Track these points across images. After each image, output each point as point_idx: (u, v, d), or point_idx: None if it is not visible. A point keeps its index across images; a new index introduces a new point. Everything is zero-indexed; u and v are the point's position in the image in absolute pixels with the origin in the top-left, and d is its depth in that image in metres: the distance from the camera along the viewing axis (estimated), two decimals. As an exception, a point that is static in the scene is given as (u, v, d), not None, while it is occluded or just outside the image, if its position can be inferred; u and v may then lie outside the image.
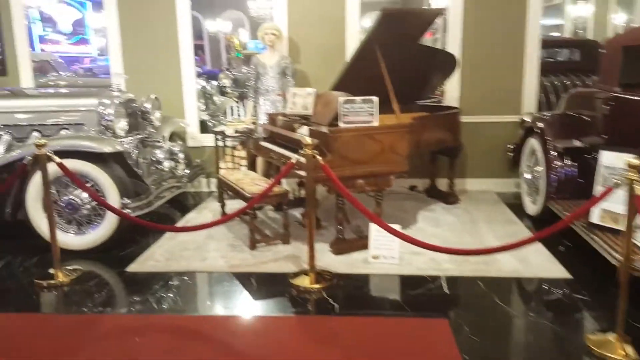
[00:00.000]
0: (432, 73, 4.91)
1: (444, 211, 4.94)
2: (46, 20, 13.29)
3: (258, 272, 3.66)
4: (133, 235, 4.28)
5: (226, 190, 4.62)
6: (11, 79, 5.72)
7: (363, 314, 3.05)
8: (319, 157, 3.32)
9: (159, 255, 3.97)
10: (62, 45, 13.79)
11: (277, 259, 3.88)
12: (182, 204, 5.39)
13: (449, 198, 5.18)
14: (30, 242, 4.01)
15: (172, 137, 5.40)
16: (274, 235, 4.27)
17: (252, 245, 4.07)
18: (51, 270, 3.57)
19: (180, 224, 4.78)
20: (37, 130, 4.37)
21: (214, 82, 7.43)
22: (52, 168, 3.56)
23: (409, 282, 3.48)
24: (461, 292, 3.37)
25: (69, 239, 4.01)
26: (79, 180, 3.63)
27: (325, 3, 5.47)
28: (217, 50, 15.88)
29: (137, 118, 4.82)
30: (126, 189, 4.05)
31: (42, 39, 13.28)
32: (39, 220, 3.97)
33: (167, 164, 4.73)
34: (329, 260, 3.78)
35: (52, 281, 3.51)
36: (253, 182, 4.28)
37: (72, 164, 3.86)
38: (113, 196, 3.97)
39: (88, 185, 3.98)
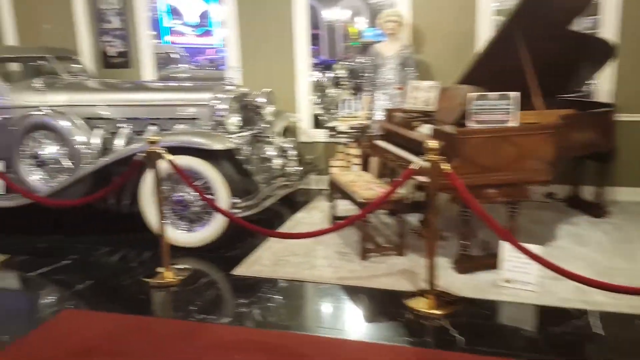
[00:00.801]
0: (580, 63, 4.17)
1: (589, 226, 4.21)
2: (174, 12, 13.95)
3: (368, 287, 3.30)
4: (241, 234, 4.14)
5: (337, 192, 4.31)
6: (134, 71, 5.88)
7: (493, 353, 2.57)
8: (444, 165, 2.87)
9: (266, 259, 3.77)
10: (188, 37, 14.41)
11: (390, 273, 3.50)
12: (292, 201, 5.18)
13: (596, 210, 4.42)
14: (147, 235, 4.00)
15: (285, 132, 5.21)
16: (387, 245, 3.89)
17: (363, 255, 3.73)
18: (159, 269, 3.51)
19: (288, 223, 4.56)
20: (153, 124, 4.38)
21: (329, 74, 7.16)
22: (164, 164, 3.48)
23: (549, 316, 2.91)
24: (617, 333, 2.75)
25: (178, 235, 3.95)
26: (188, 179, 3.52)
27: (454, -15, 4.93)
28: (334, 39, 15.73)
29: (250, 113, 4.67)
30: (236, 187, 3.90)
31: (170, 31, 13.96)
32: (151, 215, 3.96)
33: (277, 162, 4.53)
34: (450, 279, 3.32)
35: (160, 280, 3.44)
36: (367, 186, 3.92)
37: (183, 160, 3.78)
38: (223, 195, 3.84)
39: (199, 182, 3.89)
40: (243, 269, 3.63)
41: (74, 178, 4.06)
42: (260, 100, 4.72)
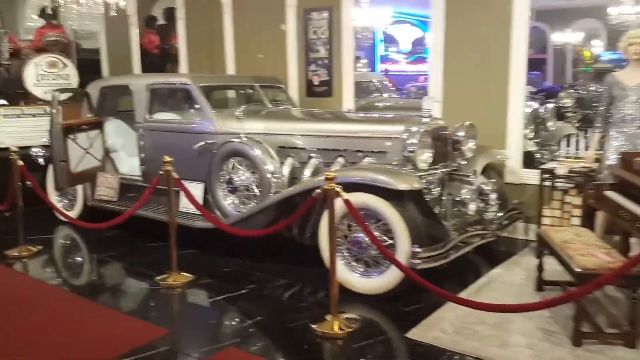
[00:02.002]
0: None
1: None
2: (389, 40, 14.06)
3: (580, 390, 2.49)
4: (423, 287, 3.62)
5: (547, 249, 3.49)
6: (335, 99, 5.82)
7: None
8: None
9: (448, 324, 3.18)
10: (400, 65, 14.38)
11: (613, 373, 2.61)
12: (491, 251, 4.45)
13: None
14: (325, 271, 3.73)
15: (486, 170, 4.53)
16: (612, 330, 2.96)
17: (576, 340, 2.88)
18: (327, 317, 3.20)
19: (481, 281, 3.87)
20: (341, 156, 4.16)
21: (549, 105, 6.18)
22: (341, 202, 3.19)
23: None
24: None
25: (353, 278, 3.61)
26: (363, 222, 3.16)
27: None
28: (562, 64, 14.10)
29: (446, 147, 4.15)
30: (419, 234, 3.41)
31: (383, 59, 14.12)
32: (327, 252, 3.69)
33: (473, 207, 3.91)
34: None
35: (326, 330, 3.12)
36: (587, 250, 3.05)
37: (361, 198, 3.46)
38: (403, 241, 3.38)
39: (378, 223, 3.51)
40: (419, 333, 3.10)
41: (260, 207, 4.05)
42: (460, 134, 4.16)
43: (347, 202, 3.09)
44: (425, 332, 3.11)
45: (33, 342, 3.11)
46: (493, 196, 4.15)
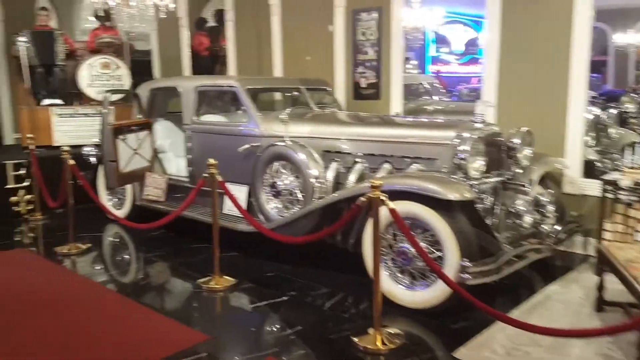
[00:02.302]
0: None
1: None
2: (441, 41, 13.72)
3: None
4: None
5: (608, 269, 3.24)
6: (383, 102, 5.68)
7: None
8: None
9: (498, 344, 2.99)
10: (452, 66, 14.01)
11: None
12: (546, 265, 4.19)
13: None
14: (368, 280, 3.61)
15: (544, 180, 4.29)
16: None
17: (642, 369, 2.65)
18: (370, 331, 3.08)
19: (536, 298, 3.65)
20: (388, 162, 4.02)
21: (612, 110, 5.80)
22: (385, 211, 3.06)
23: None
24: None
25: (398, 291, 3.47)
26: (409, 232, 3.01)
27: None
28: (624, 66, 13.37)
29: (501, 155, 3.94)
30: (469, 247, 3.23)
31: (435, 60, 13.78)
32: (371, 260, 3.56)
33: (528, 219, 3.68)
34: None
35: (368, 345, 3.00)
36: (656, 270, 2.81)
37: (408, 207, 3.31)
38: (452, 254, 3.22)
39: (426, 234, 3.36)
40: (467, 353, 2.93)
41: (302, 212, 3.97)
42: (515, 141, 3.94)
43: (392, 211, 2.96)
44: (473, 352, 2.93)
45: (75, 339, 3.15)
46: (550, 208, 3.91)
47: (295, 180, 4.21)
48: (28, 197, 5.95)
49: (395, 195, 3.28)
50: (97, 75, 6.88)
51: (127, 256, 4.89)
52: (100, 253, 4.90)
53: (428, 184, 3.31)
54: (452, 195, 3.23)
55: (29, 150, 5.83)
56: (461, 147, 3.56)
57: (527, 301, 3.60)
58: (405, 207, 3.34)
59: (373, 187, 2.97)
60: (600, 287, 3.40)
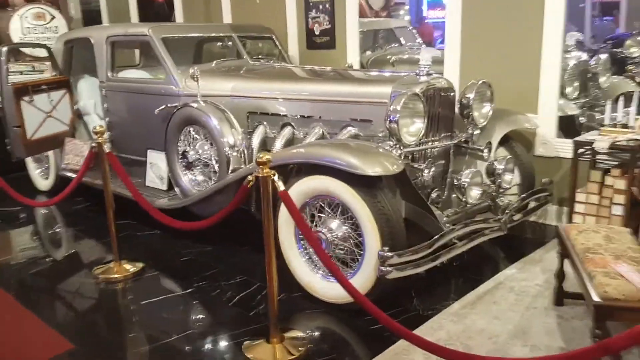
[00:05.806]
0: None
1: None
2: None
3: None
4: (398, 294, 2.87)
5: (567, 255, 2.61)
6: (338, 52, 4.93)
7: None
8: None
9: (420, 352, 2.42)
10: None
11: None
12: (511, 239, 3.56)
13: None
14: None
15: (509, 142, 3.62)
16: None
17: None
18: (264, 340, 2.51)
19: (484, 286, 3.04)
20: (319, 125, 3.36)
21: (602, 56, 4.97)
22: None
23: None
24: None
25: (315, 281, 2.89)
26: (302, 221, 2.40)
27: None
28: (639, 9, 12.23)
29: (452, 114, 3.26)
30: (393, 231, 2.61)
31: (432, 5, 12.68)
32: (287, 244, 2.96)
33: (475, 192, 3.05)
34: None
35: (262, 357, 2.45)
36: (615, 265, 2.17)
37: (323, 182, 2.71)
38: (372, 240, 2.61)
39: (345, 216, 2.76)
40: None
41: (215, 187, 3.37)
42: (469, 96, 3.26)
43: (283, 194, 2.33)
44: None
45: None
46: (507, 177, 3.26)
47: (210, 148, 3.57)
48: None
49: (313, 168, 2.69)
50: (30, 28, 6.16)
51: (28, 235, 4.21)
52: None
53: (344, 154, 2.66)
54: (372, 170, 2.58)
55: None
56: (392, 107, 2.87)
57: (474, 290, 3.00)
58: (319, 182, 2.73)
59: (259, 163, 2.34)
60: (561, 276, 2.79)
